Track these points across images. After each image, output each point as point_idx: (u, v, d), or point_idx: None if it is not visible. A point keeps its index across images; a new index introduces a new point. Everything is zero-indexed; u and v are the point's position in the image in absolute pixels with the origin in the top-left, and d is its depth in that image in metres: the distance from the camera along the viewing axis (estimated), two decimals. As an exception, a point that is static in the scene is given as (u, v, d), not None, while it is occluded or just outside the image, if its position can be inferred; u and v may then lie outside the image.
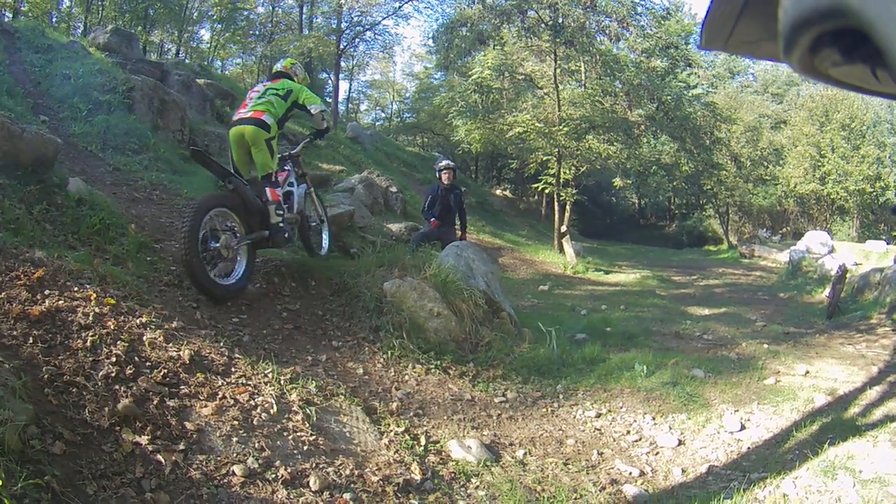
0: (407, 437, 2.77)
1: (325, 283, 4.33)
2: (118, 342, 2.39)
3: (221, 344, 2.88)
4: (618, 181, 17.52)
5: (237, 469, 2.05)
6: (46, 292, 2.54)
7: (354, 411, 2.78)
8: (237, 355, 2.82)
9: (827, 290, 8.47)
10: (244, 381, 2.59)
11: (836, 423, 3.24)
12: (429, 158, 21.01)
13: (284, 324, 3.68)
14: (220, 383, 2.50)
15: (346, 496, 2.14)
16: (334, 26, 21.87)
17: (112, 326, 2.48)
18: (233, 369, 2.67)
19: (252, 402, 2.45)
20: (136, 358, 2.38)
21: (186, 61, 18.68)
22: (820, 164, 22.47)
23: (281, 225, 4.05)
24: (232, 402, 2.40)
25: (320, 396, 2.74)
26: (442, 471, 2.56)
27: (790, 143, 23.58)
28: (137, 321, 2.65)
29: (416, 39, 44.69)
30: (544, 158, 15.20)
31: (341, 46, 20.88)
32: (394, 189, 12.12)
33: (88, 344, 2.30)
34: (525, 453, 2.91)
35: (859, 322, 6.66)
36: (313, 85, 18.70)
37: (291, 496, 2.05)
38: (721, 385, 3.91)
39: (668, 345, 5.29)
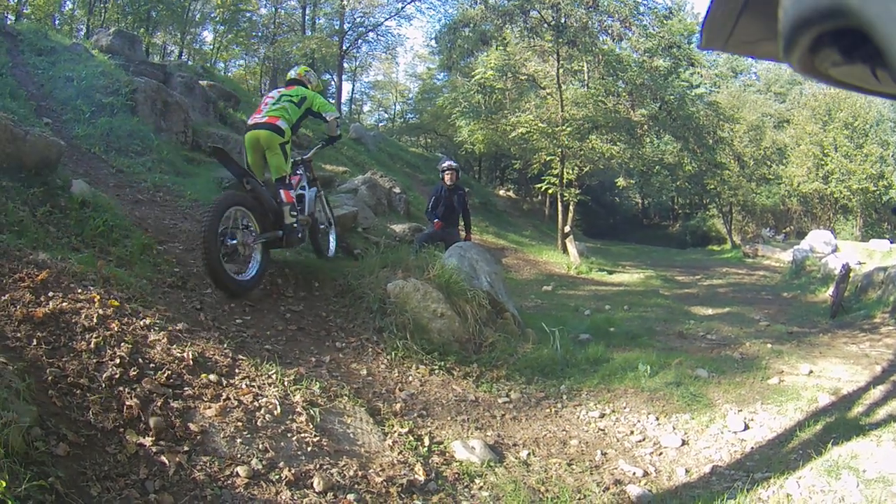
0: (411, 437, 2.77)
1: (328, 284, 4.34)
2: (122, 344, 2.40)
3: (225, 345, 2.89)
4: (621, 181, 17.51)
5: (241, 470, 2.06)
6: (50, 294, 2.56)
7: (358, 412, 2.78)
8: (241, 357, 2.83)
9: (830, 290, 8.45)
10: (248, 383, 2.59)
11: (839, 422, 3.23)
12: (432, 159, 20.99)
13: (288, 325, 3.69)
14: (223, 385, 2.51)
15: (350, 497, 2.14)
16: (337, 27, 21.93)
17: (116, 328, 2.49)
18: (237, 371, 2.68)
19: (256, 404, 2.45)
20: (140, 359, 2.38)
21: (189, 63, 18.74)
22: (823, 162, 22.41)
23: (295, 226, 4.17)
24: (236, 403, 2.40)
25: (324, 397, 2.74)
26: (446, 471, 2.56)
27: (793, 142, 23.50)
28: (141, 323, 2.66)
29: (419, 40, 44.70)
30: (547, 159, 15.17)
31: (344, 47, 20.95)
32: (397, 190, 12.11)
33: (92, 346, 2.31)
34: (529, 454, 2.90)
35: (863, 321, 6.64)
36: (316, 86, 18.65)
37: (295, 497, 2.05)
38: (725, 385, 3.90)
39: (671, 345, 5.28)
